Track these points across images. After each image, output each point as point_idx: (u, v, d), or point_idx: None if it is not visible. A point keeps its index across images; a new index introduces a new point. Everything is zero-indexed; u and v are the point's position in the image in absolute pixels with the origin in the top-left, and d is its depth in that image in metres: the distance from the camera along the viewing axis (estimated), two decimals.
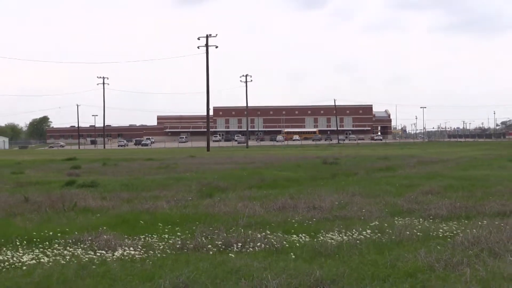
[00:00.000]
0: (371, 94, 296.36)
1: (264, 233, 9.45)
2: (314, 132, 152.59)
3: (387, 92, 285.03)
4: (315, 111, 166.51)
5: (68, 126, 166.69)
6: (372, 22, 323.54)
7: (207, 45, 74.78)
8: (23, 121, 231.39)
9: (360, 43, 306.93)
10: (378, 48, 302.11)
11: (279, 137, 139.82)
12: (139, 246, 8.77)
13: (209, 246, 8.65)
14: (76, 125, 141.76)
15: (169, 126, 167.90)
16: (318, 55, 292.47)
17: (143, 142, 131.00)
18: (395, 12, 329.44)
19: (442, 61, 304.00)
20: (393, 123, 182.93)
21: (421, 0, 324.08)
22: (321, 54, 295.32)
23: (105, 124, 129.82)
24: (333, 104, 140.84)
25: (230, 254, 8.02)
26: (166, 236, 9.57)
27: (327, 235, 9.42)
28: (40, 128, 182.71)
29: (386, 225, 10.17)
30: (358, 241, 8.90)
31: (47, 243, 9.09)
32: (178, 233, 9.70)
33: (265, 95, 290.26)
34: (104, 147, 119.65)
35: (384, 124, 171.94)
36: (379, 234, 9.44)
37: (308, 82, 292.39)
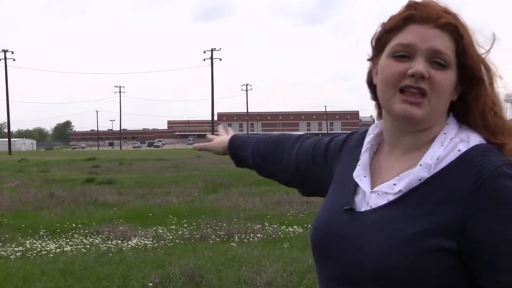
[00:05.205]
0: (359, 101, 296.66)
1: (262, 225, 9.46)
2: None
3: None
4: (308, 116, 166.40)
5: (88, 130, 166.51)
6: (366, 37, 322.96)
7: (212, 58, 75.07)
8: (48, 126, 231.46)
9: (352, 56, 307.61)
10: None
11: None
12: (151, 237, 8.77)
13: (214, 236, 8.66)
14: (96, 129, 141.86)
15: (178, 130, 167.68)
16: (314, 66, 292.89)
17: (155, 144, 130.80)
18: None
19: None
20: None
21: None
22: (317, 66, 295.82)
23: (121, 128, 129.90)
24: (324, 110, 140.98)
25: (232, 244, 8.02)
26: (175, 227, 9.58)
27: None
28: (64, 132, 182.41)
29: None
30: None
31: (69, 233, 9.10)
32: (186, 225, 9.71)
33: (264, 102, 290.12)
34: (121, 148, 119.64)
35: None
36: None
37: (303, 90, 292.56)
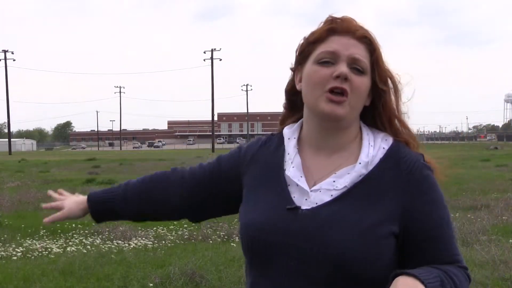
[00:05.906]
0: None
1: None
2: None
3: None
4: None
5: (88, 130, 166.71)
6: None
7: (212, 58, 75.03)
8: (49, 126, 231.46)
9: None
10: None
11: None
12: (151, 237, 8.78)
13: (214, 236, 8.66)
14: (96, 129, 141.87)
15: (178, 130, 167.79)
16: None
17: (155, 145, 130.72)
18: (388, 28, 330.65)
19: (422, 71, 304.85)
20: None
21: (410, 18, 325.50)
22: None
23: (121, 129, 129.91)
24: None
25: (232, 244, 8.03)
26: (175, 228, 9.58)
27: None
28: (64, 132, 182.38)
29: None
30: None
31: (70, 233, 9.10)
32: (186, 225, 9.71)
33: (264, 102, 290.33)
34: (121, 149, 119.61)
35: None
36: None
37: None
